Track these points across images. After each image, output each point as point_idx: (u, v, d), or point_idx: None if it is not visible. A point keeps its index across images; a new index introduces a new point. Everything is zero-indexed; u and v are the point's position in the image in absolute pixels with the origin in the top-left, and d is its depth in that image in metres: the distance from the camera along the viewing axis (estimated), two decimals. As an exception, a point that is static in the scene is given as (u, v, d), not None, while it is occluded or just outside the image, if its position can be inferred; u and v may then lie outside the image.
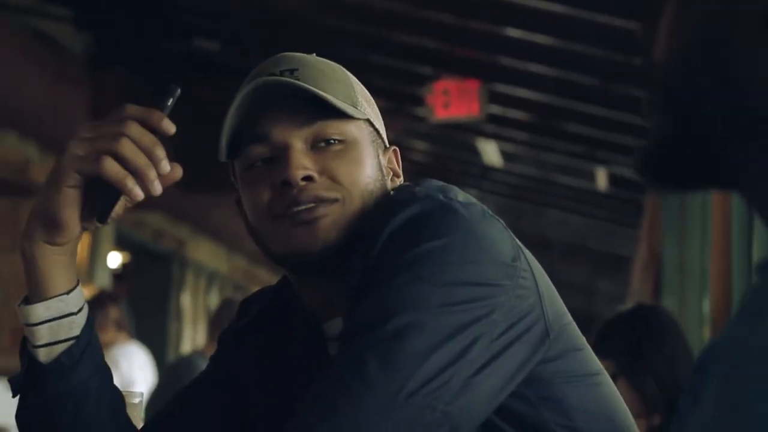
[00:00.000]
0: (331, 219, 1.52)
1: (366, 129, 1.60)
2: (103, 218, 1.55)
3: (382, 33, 6.82)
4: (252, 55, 6.50)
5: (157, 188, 1.48)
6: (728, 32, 0.87)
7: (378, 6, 6.31)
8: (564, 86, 6.68)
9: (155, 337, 8.96)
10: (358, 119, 1.58)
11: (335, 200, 1.53)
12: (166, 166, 1.48)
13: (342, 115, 1.55)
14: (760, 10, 0.85)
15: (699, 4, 0.90)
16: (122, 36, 7.31)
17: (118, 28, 7.22)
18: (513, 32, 6.11)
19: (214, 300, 11.89)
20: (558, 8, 5.50)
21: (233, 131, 1.56)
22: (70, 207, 1.51)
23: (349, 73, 1.64)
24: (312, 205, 1.52)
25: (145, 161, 1.47)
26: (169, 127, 1.48)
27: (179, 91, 1.54)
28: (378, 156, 1.60)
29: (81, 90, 7.29)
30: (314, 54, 1.65)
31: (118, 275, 9.90)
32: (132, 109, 1.48)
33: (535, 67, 6.52)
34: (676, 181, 0.95)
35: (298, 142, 1.54)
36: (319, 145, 1.55)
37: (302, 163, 1.52)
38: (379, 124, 1.63)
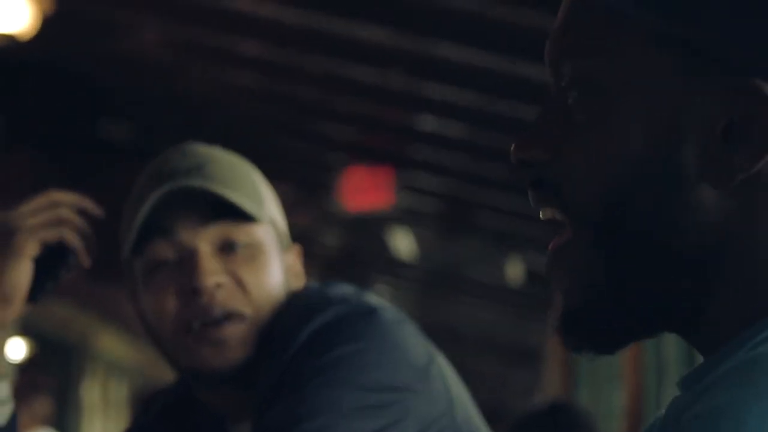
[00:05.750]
0: (239, 337, 1.49)
1: (271, 231, 1.55)
2: (37, 296, 1.52)
3: (293, 120, 6.79)
4: (162, 139, 6.43)
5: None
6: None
7: (290, 93, 6.30)
8: (477, 177, 6.69)
9: (60, 430, 8.78)
10: (263, 222, 1.53)
11: (242, 312, 1.49)
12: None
13: (249, 219, 1.52)
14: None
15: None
16: (30, 119, 7.22)
17: (26, 111, 7.13)
18: (426, 122, 6.11)
19: (123, 392, 11.69)
20: (470, 98, 5.51)
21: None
22: (26, 279, 1.49)
23: (252, 169, 1.59)
24: (220, 318, 1.48)
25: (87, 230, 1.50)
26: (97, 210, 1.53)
27: None
28: (281, 258, 1.55)
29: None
30: (218, 147, 1.60)
31: (21, 367, 9.69)
32: (57, 192, 1.52)
33: (448, 157, 6.53)
34: (608, 342, 0.88)
35: (205, 246, 1.50)
36: (226, 250, 1.51)
37: (212, 269, 1.48)
38: (282, 223, 1.59)
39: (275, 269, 1.53)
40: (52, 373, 8.42)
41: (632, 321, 0.86)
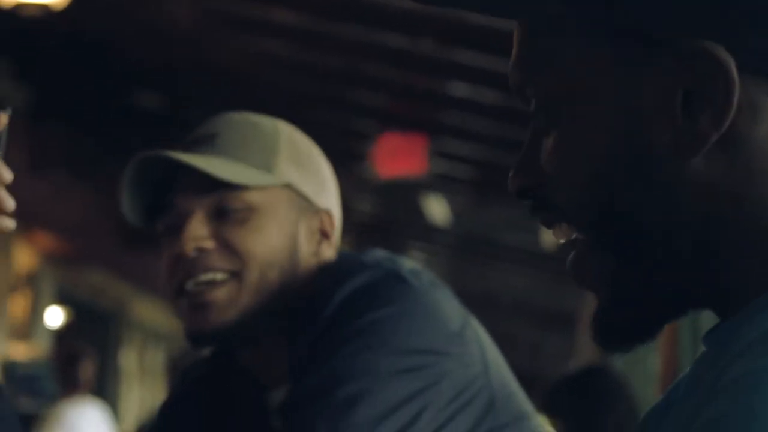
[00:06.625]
0: (224, 300, 1.51)
1: (283, 195, 1.57)
2: None
3: (325, 88, 6.79)
4: (195, 109, 6.45)
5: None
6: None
7: (321, 61, 6.29)
8: (512, 143, 6.67)
9: (99, 397, 8.86)
10: (269, 187, 1.54)
11: (230, 274, 1.51)
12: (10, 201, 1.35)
13: (244, 186, 1.54)
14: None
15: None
16: (62, 90, 7.24)
17: (58, 82, 7.15)
18: (458, 88, 6.10)
19: (159, 359, 11.75)
20: (502, 64, 5.49)
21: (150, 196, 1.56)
22: None
23: (283, 132, 1.60)
24: (204, 279, 1.50)
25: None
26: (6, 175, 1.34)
27: (10, 111, 1.44)
28: (297, 223, 1.57)
29: (20, 145, 7.20)
30: (249, 113, 1.61)
31: (59, 333, 9.75)
32: None
33: (480, 123, 6.51)
34: (641, 334, 0.90)
35: (200, 211, 1.52)
36: (220, 215, 1.53)
37: (195, 234, 1.51)
38: (310, 187, 1.59)
39: (277, 233, 1.54)
40: (89, 341, 8.47)
41: (661, 307, 0.88)
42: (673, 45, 0.82)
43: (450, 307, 1.48)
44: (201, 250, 1.51)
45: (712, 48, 0.81)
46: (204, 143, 1.56)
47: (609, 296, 0.88)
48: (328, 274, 1.53)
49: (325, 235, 1.59)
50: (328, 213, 1.61)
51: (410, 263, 1.53)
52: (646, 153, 0.83)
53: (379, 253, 1.54)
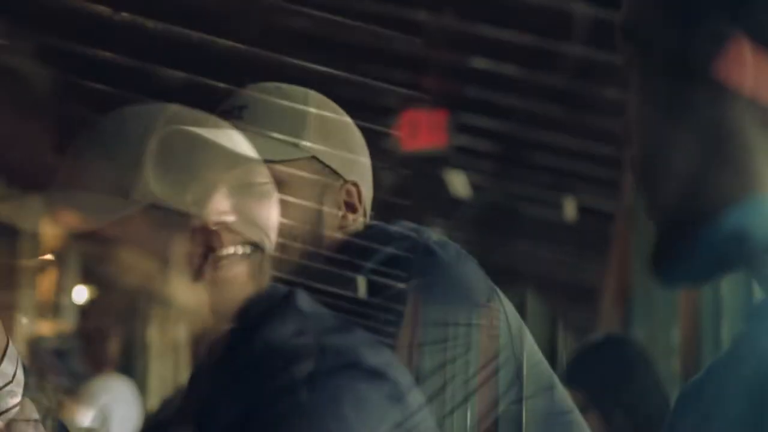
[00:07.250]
0: (245, 275, 1.50)
1: (308, 167, 1.58)
2: None
3: (347, 63, 6.77)
4: (218, 88, 6.45)
5: None
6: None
7: (343, 36, 6.28)
8: (532, 117, 6.66)
9: (126, 374, 8.85)
10: (294, 160, 1.55)
11: (252, 246, 1.50)
12: None
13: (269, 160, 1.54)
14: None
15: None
16: (87, 69, 7.24)
17: (82, 62, 7.15)
18: (480, 62, 6.09)
19: (185, 336, 11.77)
20: (525, 39, 5.48)
21: None
22: None
23: (313, 104, 1.61)
24: (222, 256, 1.50)
25: None
26: None
27: None
28: (321, 195, 1.57)
29: (46, 125, 7.21)
30: (280, 83, 1.62)
31: (85, 310, 9.76)
32: None
33: (502, 98, 6.50)
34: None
35: (224, 185, 1.51)
36: (245, 188, 1.52)
37: (218, 208, 1.49)
38: (337, 159, 1.60)
39: (300, 206, 1.57)
40: (115, 318, 8.48)
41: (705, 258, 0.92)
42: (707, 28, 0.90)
43: (477, 279, 1.50)
44: (222, 225, 1.52)
45: (719, 31, 0.89)
46: (231, 115, 1.57)
47: (667, 237, 0.93)
48: (355, 245, 1.53)
49: (350, 207, 1.60)
50: (354, 185, 1.62)
51: (436, 234, 1.54)
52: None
53: (405, 224, 1.55)
